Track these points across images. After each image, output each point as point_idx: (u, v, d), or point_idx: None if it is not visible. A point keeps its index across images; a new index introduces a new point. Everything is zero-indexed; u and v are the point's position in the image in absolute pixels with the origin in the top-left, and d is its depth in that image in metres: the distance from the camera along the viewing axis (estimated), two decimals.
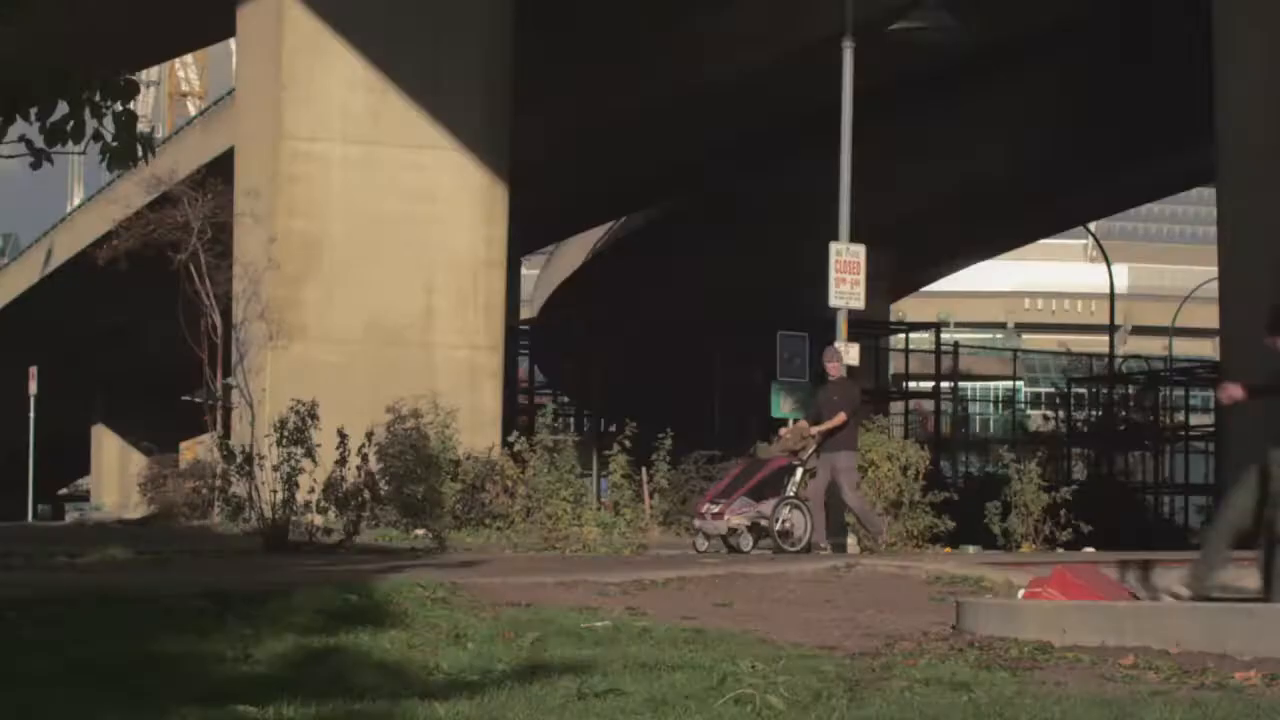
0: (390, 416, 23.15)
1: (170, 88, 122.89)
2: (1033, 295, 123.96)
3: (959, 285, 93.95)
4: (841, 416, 20.30)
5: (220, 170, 34.06)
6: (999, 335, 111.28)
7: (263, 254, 30.80)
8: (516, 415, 46.64)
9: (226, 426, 31.60)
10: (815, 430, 20.29)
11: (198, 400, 42.18)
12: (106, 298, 51.35)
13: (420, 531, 21.84)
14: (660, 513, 25.71)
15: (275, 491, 19.31)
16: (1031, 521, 21.25)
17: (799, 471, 20.32)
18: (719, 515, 20.20)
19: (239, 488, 20.55)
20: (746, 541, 20.14)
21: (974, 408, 74.31)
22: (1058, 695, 8.51)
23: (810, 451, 20.30)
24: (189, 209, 32.40)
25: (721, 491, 20.70)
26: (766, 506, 20.16)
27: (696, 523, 20.63)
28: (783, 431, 20.90)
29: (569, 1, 36.59)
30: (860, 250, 21.73)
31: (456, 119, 31.81)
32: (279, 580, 12.83)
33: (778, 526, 19.97)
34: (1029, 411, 77.31)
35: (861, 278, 21.69)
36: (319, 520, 19.91)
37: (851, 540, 20.57)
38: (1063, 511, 21.19)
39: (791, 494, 20.19)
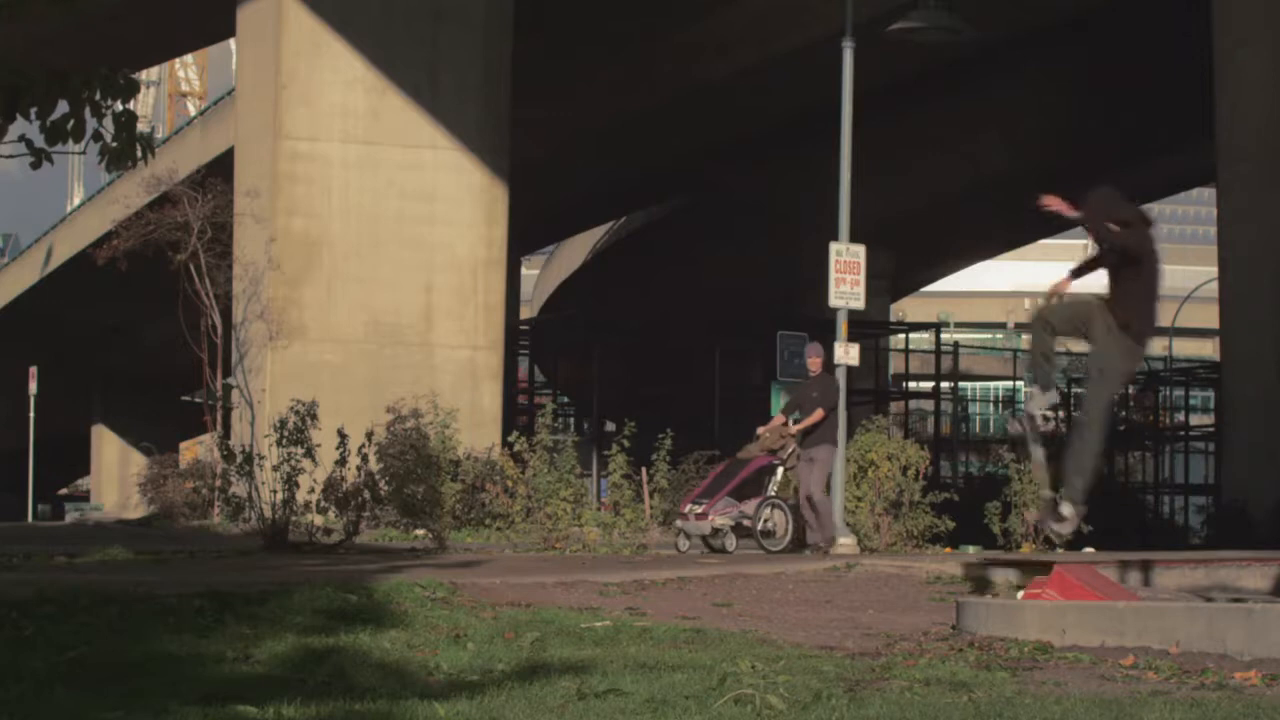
0: (390, 416, 23.13)
1: (170, 88, 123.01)
2: (1033, 295, 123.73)
3: (959, 285, 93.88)
4: (819, 414, 20.27)
5: (220, 170, 34.06)
6: (999, 335, 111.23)
7: (263, 254, 30.79)
8: (516, 415, 46.64)
9: (226, 426, 31.59)
10: (794, 429, 20.24)
11: (198, 400, 42.20)
12: (106, 297, 51.35)
13: (420, 531, 21.84)
14: (660, 513, 25.68)
15: (275, 491, 19.33)
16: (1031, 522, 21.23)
17: (780, 471, 20.24)
18: (703, 515, 20.07)
19: (239, 488, 20.55)
20: (731, 541, 20.02)
21: (974, 408, 74.27)
22: (1058, 695, 8.51)
23: (790, 450, 20.22)
24: (189, 209, 32.37)
25: (704, 491, 20.56)
26: (749, 506, 20.06)
27: (679, 523, 20.52)
28: (760, 430, 20.81)
29: (569, 1, 36.59)
30: (860, 250, 21.71)
31: (456, 119, 31.81)
32: (279, 580, 12.83)
33: (760, 526, 19.89)
34: None
35: (861, 278, 21.66)
36: (319, 520, 19.91)
37: (850, 540, 20.54)
38: None
39: (773, 493, 20.11)
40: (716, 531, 20.07)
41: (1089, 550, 21.88)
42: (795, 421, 20.52)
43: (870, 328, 47.75)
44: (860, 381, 45.13)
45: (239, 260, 31.44)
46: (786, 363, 25.49)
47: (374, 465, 20.43)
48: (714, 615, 12.55)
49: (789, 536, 20.02)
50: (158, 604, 11.23)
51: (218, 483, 27.91)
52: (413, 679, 8.88)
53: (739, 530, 20.14)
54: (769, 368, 24.78)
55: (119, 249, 33.06)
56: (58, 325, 57.84)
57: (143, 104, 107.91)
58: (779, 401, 25.57)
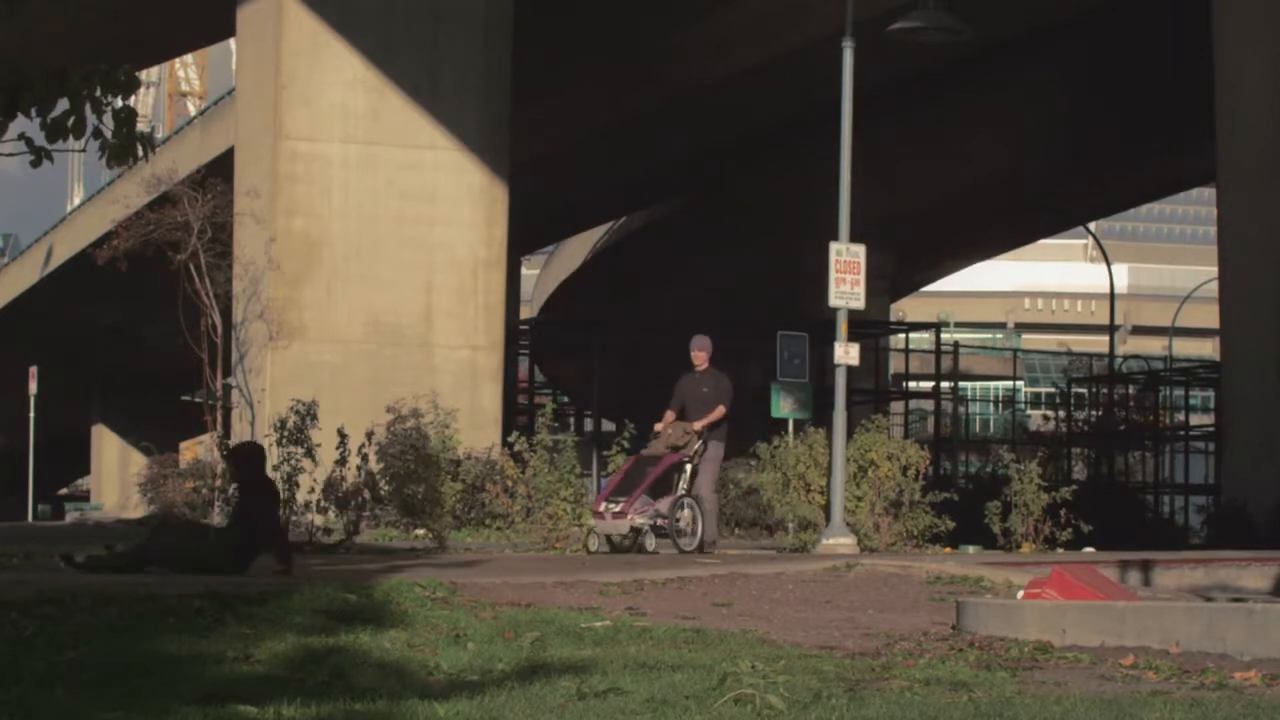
0: (390, 416, 23.16)
1: (170, 88, 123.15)
2: (1033, 295, 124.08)
3: (959, 285, 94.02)
4: (721, 410, 20.17)
5: (220, 170, 34.04)
6: (999, 335, 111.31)
7: (263, 254, 30.79)
8: (516, 415, 46.62)
9: (226, 426, 31.58)
10: (697, 425, 20.07)
11: (198, 400, 42.19)
12: (106, 297, 51.40)
13: (420, 531, 21.83)
14: None
15: None
16: (1031, 521, 21.23)
17: (688, 468, 19.99)
18: (621, 514, 19.57)
19: None
20: (650, 541, 19.50)
21: (974, 408, 74.32)
22: (1058, 695, 8.51)
23: (695, 447, 20.03)
24: (189, 209, 32.35)
25: (616, 489, 20.02)
26: (663, 505, 19.65)
27: (593, 522, 19.75)
28: (659, 427, 20.37)
29: (569, 1, 36.60)
30: (860, 250, 21.70)
31: (456, 119, 31.81)
32: (279, 580, 12.84)
33: (679, 525, 19.65)
34: (1029, 411, 77.30)
35: (862, 278, 21.65)
36: (319, 520, 19.93)
37: (850, 540, 20.52)
38: (1063, 511, 21.17)
39: (684, 491, 19.89)
40: (635, 531, 19.56)
41: (1089, 550, 21.89)
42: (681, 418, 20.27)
43: (870, 328, 47.75)
44: (860, 381, 45.15)
45: (239, 260, 31.44)
46: (786, 363, 25.37)
47: (374, 465, 20.46)
48: (714, 615, 12.55)
49: (699, 535, 19.79)
50: (158, 604, 11.23)
51: (218, 483, 27.92)
52: (413, 679, 8.88)
53: (656, 530, 19.80)
54: (769, 368, 24.69)
55: (119, 249, 33.00)
56: (58, 325, 57.87)
57: (143, 104, 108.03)
58: (779, 402, 25.46)
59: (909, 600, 14.30)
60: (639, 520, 19.54)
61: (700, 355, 20.83)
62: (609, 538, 19.61)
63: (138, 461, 54.50)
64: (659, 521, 19.60)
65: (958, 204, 51.74)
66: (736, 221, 51.73)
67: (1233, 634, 10.02)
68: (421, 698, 8.03)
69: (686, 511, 19.73)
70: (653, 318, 52.56)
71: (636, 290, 59.09)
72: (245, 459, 15.71)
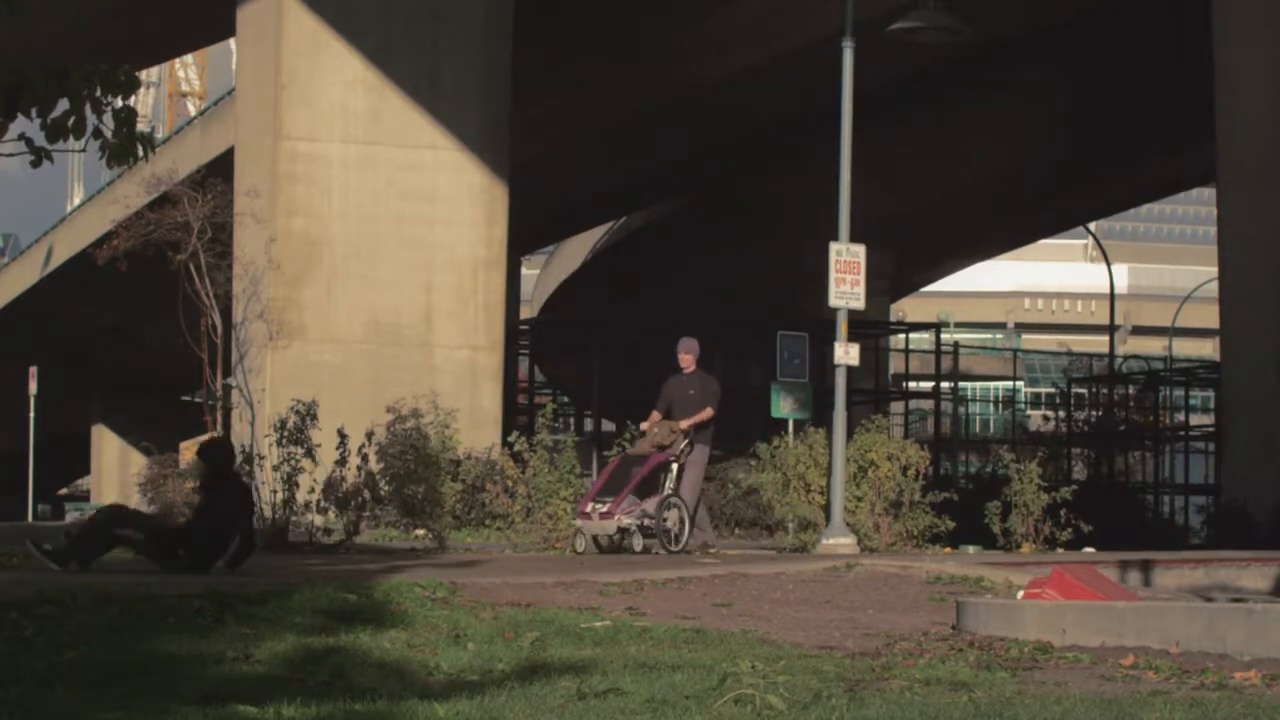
0: (390, 416, 23.18)
1: (170, 88, 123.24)
2: (1033, 295, 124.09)
3: (959, 285, 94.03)
4: (709, 411, 20.15)
5: (220, 170, 34.03)
6: (999, 335, 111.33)
7: (263, 254, 30.80)
8: (516, 415, 46.62)
9: (226, 426, 31.58)
10: (684, 424, 20.03)
11: (198, 400, 42.18)
12: (106, 297, 51.40)
13: (420, 531, 21.84)
14: None
15: (275, 491, 19.35)
16: (1031, 521, 21.22)
17: (675, 468, 19.94)
18: (608, 514, 19.46)
19: None
20: (637, 542, 19.45)
21: (974, 408, 74.34)
22: (1058, 695, 8.51)
23: (682, 446, 20.00)
24: (189, 209, 32.32)
25: (603, 489, 19.93)
26: (650, 505, 19.60)
27: (579, 522, 19.70)
28: (645, 426, 20.34)
29: (569, 1, 36.60)
30: (860, 250, 21.69)
31: (456, 119, 31.81)
32: (279, 580, 12.85)
33: (666, 525, 19.63)
34: (1029, 411, 77.32)
35: (862, 278, 21.64)
36: (319, 520, 19.93)
37: (850, 540, 20.53)
38: (1063, 511, 21.16)
39: (670, 491, 19.80)
40: (622, 532, 19.52)
41: (1089, 550, 21.89)
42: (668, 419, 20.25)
43: (870, 328, 47.74)
44: (860, 381, 45.14)
45: (239, 260, 31.43)
46: (786, 363, 25.38)
47: (374, 465, 20.46)
48: (714, 615, 12.55)
49: (686, 535, 19.76)
50: (158, 604, 11.23)
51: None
52: (413, 679, 8.89)
53: (643, 530, 19.66)
54: (769, 368, 24.71)
55: (119, 249, 32.96)
56: (58, 325, 57.86)
57: (143, 104, 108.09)
58: (779, 402, 25.46)
59: (909, 600, 14.30)
60: (626, 521, 19.51)
61: (687, 358, 20.81)
62: (595, 538, 19.59)
63: (138, 461, 54.46)
64: (646, 522, 19.59)
65: (958, 204, 51.74)
66: (736, 221, 51.73)
67: (1233, 634, 10.02)
68: (421, 698, 8.03)
69: (674, 512, 19.72)
70: (653, 318, 52.53)
71: (636, 290, 59.09)
72: (211, 456, 15.78)
